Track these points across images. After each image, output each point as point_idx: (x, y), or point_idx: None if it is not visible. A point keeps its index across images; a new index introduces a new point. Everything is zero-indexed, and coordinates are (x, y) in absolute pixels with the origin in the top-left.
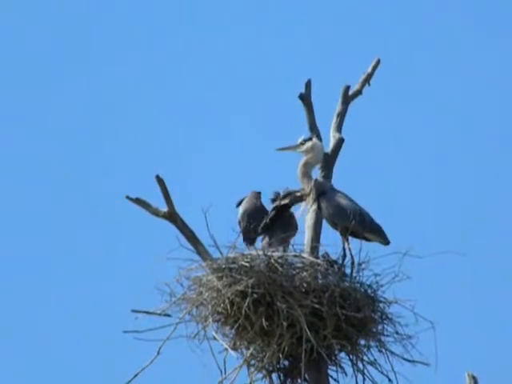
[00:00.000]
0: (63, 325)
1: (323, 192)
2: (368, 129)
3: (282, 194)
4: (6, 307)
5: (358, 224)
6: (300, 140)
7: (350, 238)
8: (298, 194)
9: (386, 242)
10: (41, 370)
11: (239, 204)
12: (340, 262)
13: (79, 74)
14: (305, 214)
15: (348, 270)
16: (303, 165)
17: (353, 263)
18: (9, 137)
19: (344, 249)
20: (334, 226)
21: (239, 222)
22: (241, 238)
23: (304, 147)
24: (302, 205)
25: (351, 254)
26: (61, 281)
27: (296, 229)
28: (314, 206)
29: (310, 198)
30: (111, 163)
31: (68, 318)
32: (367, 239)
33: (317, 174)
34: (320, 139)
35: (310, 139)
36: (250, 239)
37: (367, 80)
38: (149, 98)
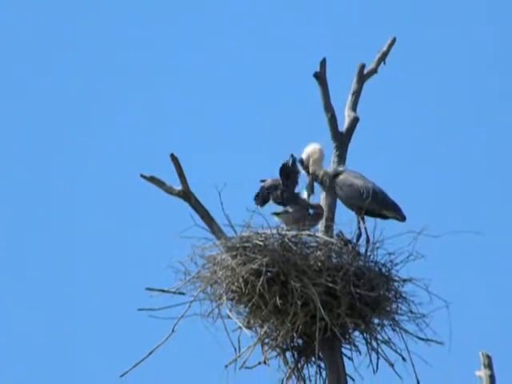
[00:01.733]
0: (78, 303)
1: (336, 175)
2: (383, 108)
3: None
4: (19, 293)
5: (372, 202)
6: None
7: (366, 216)
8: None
9: (402, 217)
10: (56, 348)
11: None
12: (355, 241)
13: (94, 49)
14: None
15: (362, 249)
16: (312, 167)
17: (368, 241)
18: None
19: (359, 228)
20: (350, 206)
21: (274, 185)
22: (255, 216)
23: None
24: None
25: (367, 233)
26: (76, 260)
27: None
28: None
29: (325, 182)
30: (126, 141)
31: (83, 296)
32: (383, 216)
33: (331, 153)
34: (335, 118)
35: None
36: (266, 201)
37: (383, 59)
38: (163, 76)
